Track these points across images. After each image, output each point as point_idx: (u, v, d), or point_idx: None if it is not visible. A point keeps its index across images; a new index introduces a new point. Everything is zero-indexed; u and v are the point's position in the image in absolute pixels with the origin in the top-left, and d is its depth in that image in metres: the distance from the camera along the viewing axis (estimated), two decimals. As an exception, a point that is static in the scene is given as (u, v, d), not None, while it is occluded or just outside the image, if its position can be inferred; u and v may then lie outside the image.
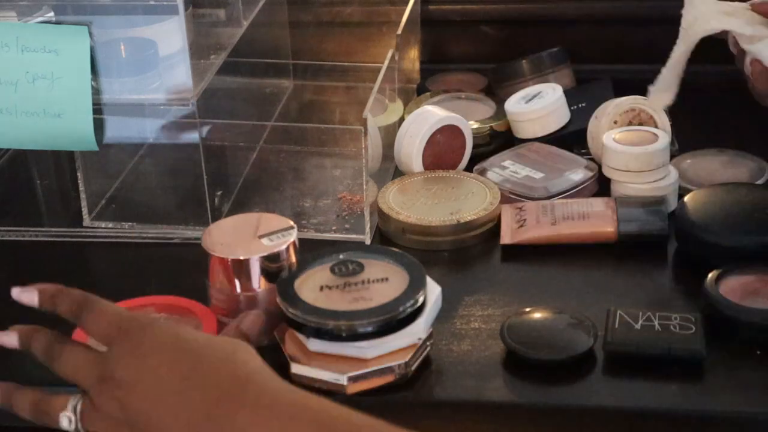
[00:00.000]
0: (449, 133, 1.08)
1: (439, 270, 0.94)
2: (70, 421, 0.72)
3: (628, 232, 0.96)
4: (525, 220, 0.98)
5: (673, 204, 1.00)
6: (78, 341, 0.75)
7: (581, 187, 1.05)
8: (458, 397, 0.81)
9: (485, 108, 1.20)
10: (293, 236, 0.87)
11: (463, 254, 0.99)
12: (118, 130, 1.03)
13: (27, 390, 0.75)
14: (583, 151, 1.10)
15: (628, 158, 1.01)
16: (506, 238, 0.98)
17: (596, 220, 0.97)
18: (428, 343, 0.84)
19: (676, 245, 0.96)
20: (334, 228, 1.03)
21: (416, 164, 1.07)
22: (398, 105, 1.17)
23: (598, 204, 0.99)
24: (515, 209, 1.00)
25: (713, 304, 0.85)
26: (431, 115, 1.08)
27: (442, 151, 1.08)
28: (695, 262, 0.92)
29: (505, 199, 1.04)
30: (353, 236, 1.01)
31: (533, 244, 0.97)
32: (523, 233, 0.97)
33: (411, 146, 1.07)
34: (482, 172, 1.07)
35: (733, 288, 0.86)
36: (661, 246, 0.97)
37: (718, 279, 0.87)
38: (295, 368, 0.81)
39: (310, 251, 0.87)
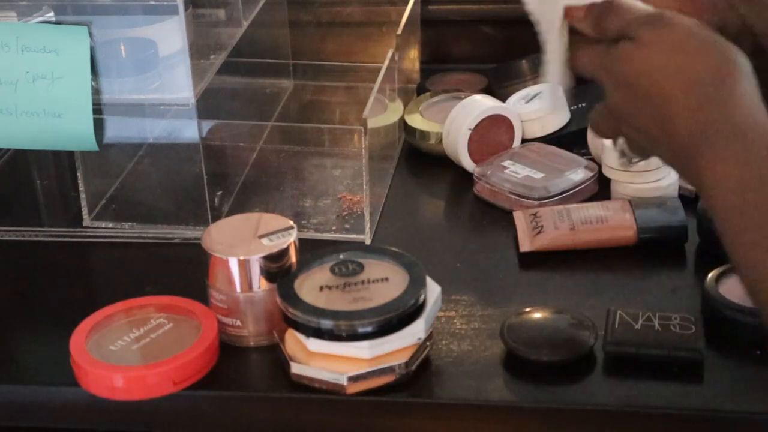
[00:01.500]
0: (497, 123, 1.10)
1: (440, 269, 0.94)
2: None
3: (648, 237, 0.96)
4: (542, 226, 0.97)
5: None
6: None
7: (581, 187, 1.04)
8: (458, 397, 0.81)
9: (485, 108, 1.20)
10: (293, 236, 0.87)
11: (463, 253, 0.99)
12: (118, 130, 1.03)
13: None
14: (583, 151, 1.10)
15: (628, 158, 1.01)
16: (525, 245, 0.97)
17: (615, 223, 0.97)
18: (428, 343, 0.84)
19: (675, 244, 0.97)
20: (334, 228, 1.03)
21: (462, 153, 1.09)
22: (398, 105, 1.17)
23: (614, 207, 0.98)
24: (529, 215, 0.99)
25: (713, 304, 0.85)
26: (479, 104, 1.10)
27: (489, 140, 1.10)
28: (699, 260, 0.92)
29: (506, 200, 1.04)
30: (353, 236, 1.01)
31: (554, 251, 0.96)
32: (542, 239, 0.96)
33: (457, 134, 1.09)
34: (482, 173, 1.07)
35: (733, 288, 0.86)
36: (661, 246, 0.97)
37: (718, 279, 0.87)
38: (295, 368, 0.81)
39: (310, 251, 0.87)
